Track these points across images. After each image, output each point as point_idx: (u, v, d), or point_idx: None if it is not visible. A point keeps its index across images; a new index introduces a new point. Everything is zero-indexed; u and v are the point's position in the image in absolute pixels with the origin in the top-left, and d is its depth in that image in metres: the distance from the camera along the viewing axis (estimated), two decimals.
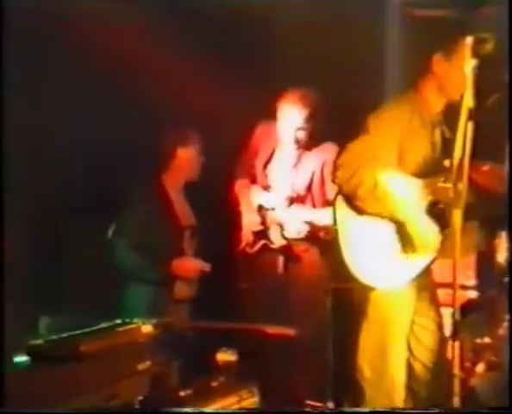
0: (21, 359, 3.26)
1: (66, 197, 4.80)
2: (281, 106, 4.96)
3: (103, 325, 3.77)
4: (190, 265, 4.79)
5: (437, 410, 3.62)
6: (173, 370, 3.76)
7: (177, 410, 3.53)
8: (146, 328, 3.71)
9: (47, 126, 4.55)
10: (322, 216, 4.86)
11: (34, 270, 4.66)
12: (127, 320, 3.86)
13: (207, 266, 4.80)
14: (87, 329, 3.63)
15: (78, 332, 3.58)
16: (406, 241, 4.06)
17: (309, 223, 4.97)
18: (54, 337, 3.51)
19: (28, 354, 3.27)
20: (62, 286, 4.78)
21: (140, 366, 3.60)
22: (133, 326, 3.75)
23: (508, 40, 3.87)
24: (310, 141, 5.02)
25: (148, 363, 3.64)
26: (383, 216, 4.08)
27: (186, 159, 4.87)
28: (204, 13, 5.16)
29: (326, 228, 4.78)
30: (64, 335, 3.54)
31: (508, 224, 3.95)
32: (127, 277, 4.72)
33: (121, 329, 3.72)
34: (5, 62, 3.74)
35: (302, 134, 4.98)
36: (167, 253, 4.73)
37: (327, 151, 5.00)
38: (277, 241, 5.04)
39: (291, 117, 4.93)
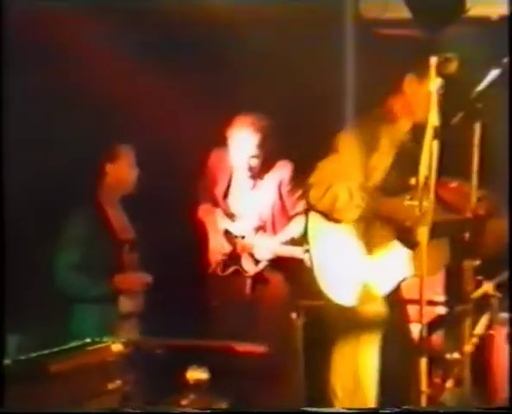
0: None
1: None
2: (231, 133, 4.92)
3: (73, 344, 3.76)
4: (132, 278, 4.79)
5: (434, 410, 3.64)
6: (143, 389, 3.76)
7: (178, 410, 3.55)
8: (116, 347, 3.71)
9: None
10: (289, 245, 4.88)
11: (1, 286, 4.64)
12: (96, 339, 3.86)
13: (148, 278, 4.81)
14: (56, 349, 3.62)
15: (47, 351, 3.57)
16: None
17: (277, 252, 4.98)
18: (23, 357, 3.50)
19: None
20: (31, 304, 4.76)
21: (110, 386, 3.60)
22: (102, 345, 3.74)
23: (508, 41, 3.92)
24: (264, 167, 4.99)
25: (118, 382, 3.64)
26: (368, 217, 4.10)
27: (116, 174, 4.86)
28: (160, 34, 5.14)
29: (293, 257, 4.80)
30: (33, 354, 3.53)
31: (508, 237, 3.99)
32: (71, 297, 4.70)
33: (90, 348, 3.72)
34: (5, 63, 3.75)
35: (255, 162, 4.94)
36: (108, 269, 4.72)
37: (281, 169, 5.01)
38: (249, 269, 5.05)
39: (242, 144, 4.89)
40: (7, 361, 3.36)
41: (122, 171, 4.84)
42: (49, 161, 4.79)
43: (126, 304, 4.74)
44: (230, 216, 5.10)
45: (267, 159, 4.97)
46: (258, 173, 5.02)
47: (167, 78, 4.97)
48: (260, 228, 5.06)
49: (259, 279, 5.07)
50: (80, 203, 4.80)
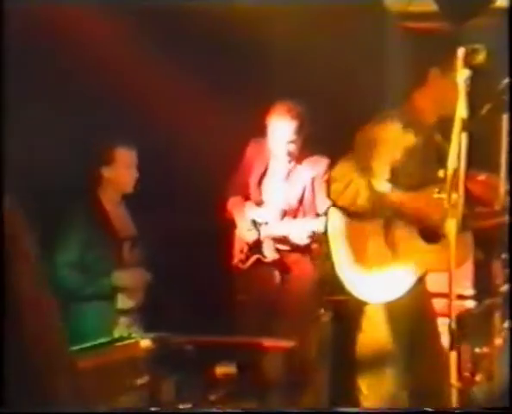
0: None
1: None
2: (270, 120, 5.02)
3: (102, 340, 3.78)
4: (131, 275, 4.80)
5: (437, 411, 3.62)
6: (172, 384, 3.77)
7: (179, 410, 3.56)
8: (145, 343, 3.73)
9: None
10: (316, 226, 4.88)
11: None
12: (125, 335, 3.88)
13: (147, 275, 4.83)
14: (85, 345, 3.63)
15: (76, 347, 3.58)
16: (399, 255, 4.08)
17: (305, 233, 5.00)
18: None
19: None
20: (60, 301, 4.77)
21: (139, 381, 3.61)
22: (131, 341, 3.76)
23: (508, 41, 3.89)
24: (302, 153, 5.08)
25: (147, 378, 3.65)
26: (386, 216, 4.09)
27: (114, 176, 4.86)
28: (192, 28, 5.17)
29: (318, 238, 4.79)
30: None
31: (508, 233, 3.96)
32: (69, 295, 4.70)
33: (119, 344, 3.74)
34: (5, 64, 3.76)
35: (293, 147, 5.04)
36: (107, 266, 4.73)
37: (317, 165, 5.08)
38: (269, 254, 5.07)
39: (281, 130, 5.00)
40: None
41: (120, 173, 4.85)
42: (49, 158, 4.79)
43: (125, 301, 4.76)
44: (259, 203, 5.15)
45: (305, 146, 5.06)
46: (295, 161, 5.09)
47: (199, 71, 5.01)
48: (286, 215, 5.09)
49: (281, 268, 5.09)
50: (79, 202, 4.81)
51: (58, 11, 4.65)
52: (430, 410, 3.40)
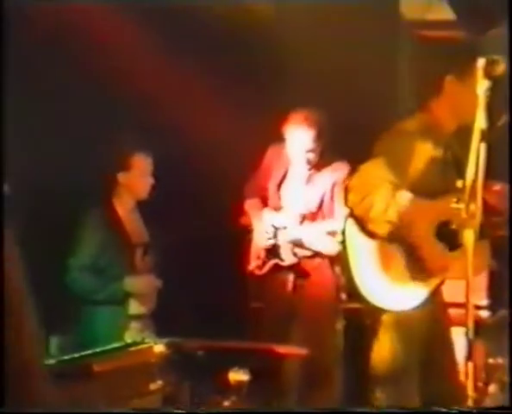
0: None
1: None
2: (288, 128, 5.00)
3: (115, 345, 3.78)
4: (143, 281, 4.80)
5: (437, 410, 3.61)
6: (185, 390, 3.77)
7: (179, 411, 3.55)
8: (158, 348, 3.72)
9: None
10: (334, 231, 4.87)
11: (41, 289, 4.66)
12: (138, 340, 3.88)
13: (158, 282, 4.83)
14: (99, 349, 3.64)
15: (90, 352, 3.59)
16: (416, 264, 4.06)
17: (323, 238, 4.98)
18: (67, 357, 3.52)
19: None
20: (71, 305, 4.77)
21: (152, 386, 3.61)
22: (145, 346, 3.76)
23: (508, 53, 3.89)
24: (321, 161, 5.06)
25: (160, 383, 3.65)
26: (393, 239, 4.08)
27: (129, 182, 4.85)
28: (212, 34, 5.19)
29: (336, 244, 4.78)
30: (76, 354, 3.55)
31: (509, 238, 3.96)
32: (81, 298, 4.70)
33: (133, 348, 3.74)
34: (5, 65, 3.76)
35: (311, 155, 5.01)
36: (119, 271, 4.73)
37: (337, 171, 5.05)
38: (287, 258, 5.05)
39: (299, 139, 4.98)
40: (50, 361, 3.38)
41: (135, 179, 4.84)
42: (63, 163, 4.79)
43: (136, 307, 4.75)
44: (278, 208, 5.14)
45: (324, 153, 5.05)
46: (314, 168, 5.08)
47: (217, 79, 5.02)
48: (305, 220, 5.08)
49: (300, 273, 5.07)
50: (93, 206, 4.81)
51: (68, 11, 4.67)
52: (433, 410, 3.40)
